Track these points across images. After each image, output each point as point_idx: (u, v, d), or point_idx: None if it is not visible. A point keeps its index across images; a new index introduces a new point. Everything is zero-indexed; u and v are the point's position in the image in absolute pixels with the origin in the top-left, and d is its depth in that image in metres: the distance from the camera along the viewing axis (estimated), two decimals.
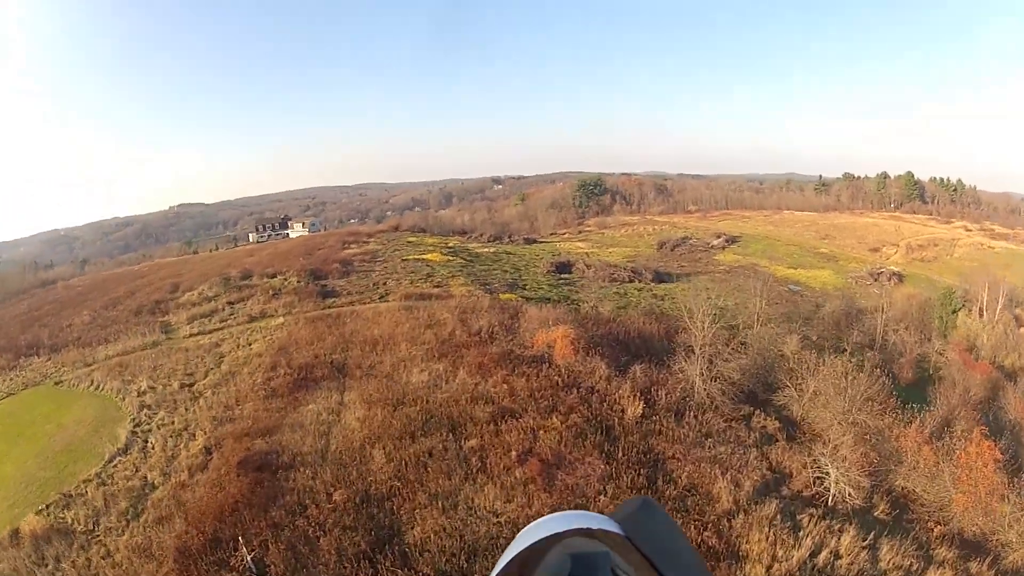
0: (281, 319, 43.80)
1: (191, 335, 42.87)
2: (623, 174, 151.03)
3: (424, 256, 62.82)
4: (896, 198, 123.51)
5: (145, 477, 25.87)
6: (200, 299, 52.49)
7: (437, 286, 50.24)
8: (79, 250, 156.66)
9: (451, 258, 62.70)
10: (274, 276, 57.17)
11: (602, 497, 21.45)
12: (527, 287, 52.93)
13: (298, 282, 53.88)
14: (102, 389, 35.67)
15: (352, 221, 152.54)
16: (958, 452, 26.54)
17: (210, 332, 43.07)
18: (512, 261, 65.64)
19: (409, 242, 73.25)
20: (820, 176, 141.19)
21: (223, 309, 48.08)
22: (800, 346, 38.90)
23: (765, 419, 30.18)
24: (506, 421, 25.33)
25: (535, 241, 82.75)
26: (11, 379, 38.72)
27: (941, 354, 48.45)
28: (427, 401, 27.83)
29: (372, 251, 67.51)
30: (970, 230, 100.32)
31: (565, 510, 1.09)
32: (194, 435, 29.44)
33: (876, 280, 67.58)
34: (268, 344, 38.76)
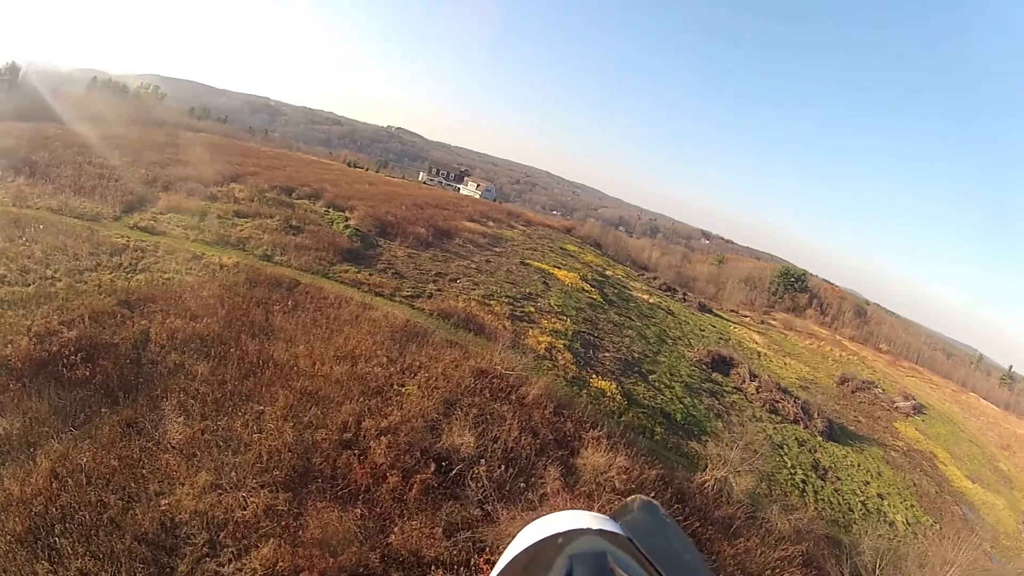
0: (234, 259, 32.06)
1: (135, 226, 33.87)
2: (825, 280, 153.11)
3: (556, 271, 52.08)
4: None
5: None
6: (222, 195, 44.46)
7: (518, 319, 36.14)
8: (280, 125, 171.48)
9: (589, 289, 51.00)
10: (341, 210, 48.79)
11: None
12: (652, 377, 37.77)
13: (345, 227, 43.69)
14: None
15: (554, 213, 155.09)
16: None
17: (155, 234, 33.46)
18: (665, 324, 53.98)
19: (562, 248, 66.12)
20: (1010, 367, 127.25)
21: (208, 216, 38.43)
22: None
23: None
24: None
25: (710, 311, 76.96)
26: None
27: None
28: None
29: (500, 237, 58.75)
30: None
31: (565, 510, 1.16)
32: None
33: None
34: (154, 284, 26.68)
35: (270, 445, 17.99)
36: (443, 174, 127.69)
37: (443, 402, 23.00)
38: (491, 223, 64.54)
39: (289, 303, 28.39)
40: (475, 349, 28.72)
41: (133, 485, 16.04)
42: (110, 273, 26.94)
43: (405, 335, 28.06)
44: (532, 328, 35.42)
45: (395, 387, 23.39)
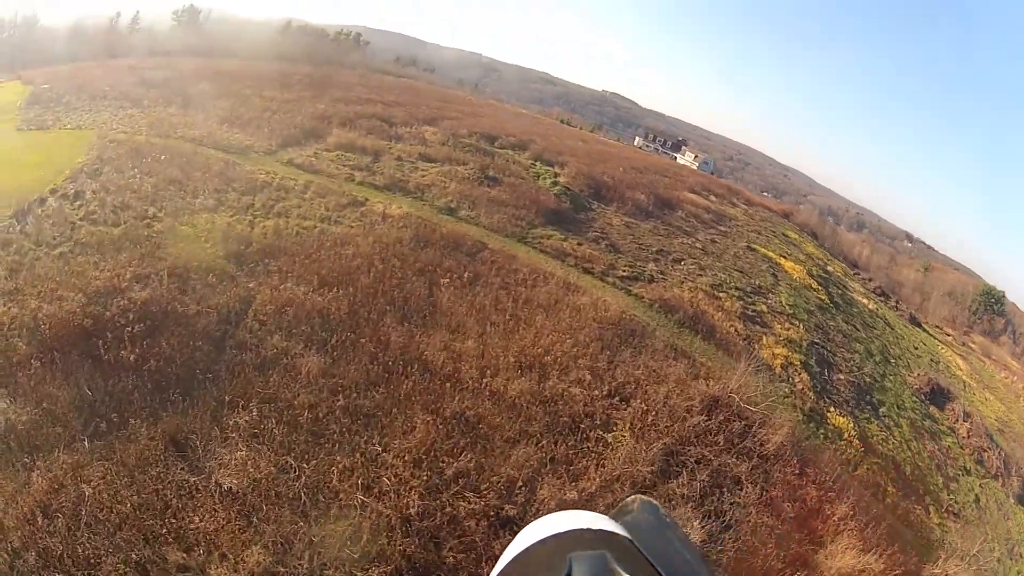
0: (405, 209, 27.41)
1: (289, 162, 30.77)
2: (1014, 303, 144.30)
3: (783, 261, 48.96)
4: None
5: None
6: (409, 136, 41.12)
7: (750, 320, 31.51)
8: (493, 82, 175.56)
9: (816, 287, 47.71)
10: (550, 165, 43.99)
11: None
12: (882, 410, 33.66)
13: (552, 184, 38.39)
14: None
15: (765, 194, 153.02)
16: None
17: (310, 171, 30.15)
18: (886, 338, 49.86)
19: (784, 235, 63.74)
20: None
21: (383, 157, 34.87)
22: None
23: None
24: None
25: (919, 324, 73.07)
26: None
27: None
28: None
29: (723, 215, 54.67)
30: None
31: (566, 510, 1.19)
32: None
33: None
34: (284, 233, 22.22)
35: (380, 515, 11.59)
36: (659, 140, 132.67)
37: (661, 452, 16.55)
38: (713, 197, 60.85)
39: (466, 274, 22.49)
40: (703, 361, 23.37)
41: (146, 547, 10.97)
42: (231, 216, 22.67)
43: (618, 335, 21.94)
44: (765, 334, 31.14)
45: (598, 422, 16.73)
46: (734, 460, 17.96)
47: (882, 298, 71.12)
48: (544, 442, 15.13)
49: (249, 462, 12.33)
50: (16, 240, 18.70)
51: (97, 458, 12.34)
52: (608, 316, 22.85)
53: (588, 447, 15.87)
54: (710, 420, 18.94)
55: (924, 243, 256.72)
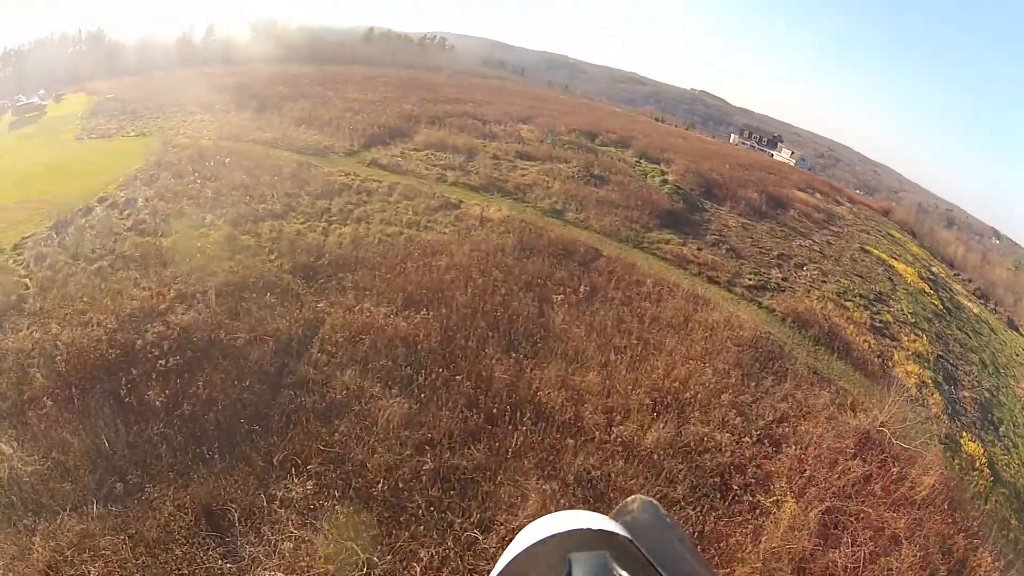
0: (505, 212, 25.18)
1: (372, 162, 29.41)
2: None
3: (895, 262, 47.41)
4: None
5: None
6: (504, 134, 39.73)
7: (878, 333, 29.11)
8: (583, 82, 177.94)
9: (929, 292, 45.86)
10: (655, 162, 42.55)
11: None
12: (1002, 429, 30.45)
13: (662, 182, 36.23)
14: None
15: (857, 191, 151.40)
16: None
17: (396, 172, 28.58)
18: (993, 346, 45.84)
19: (889, 234, 63.53)
20: None
21: (478, 156, 33.26)
22: None
23: None
24: None
25: (1017, 328, 68.35)
26: None
27: None
28: None
29: (833, 214, 53.72)
30: None
31: (566, 510, 1.18)
32: None
33: None
34: (364, 242, 19.80)
35: None
36: (755, 137, 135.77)
37: (823, 513, 13.23)
38: (819, 195, 61.43)
39: (582, 288, 19.53)
40: (844, 386, 20.38)
41: None
42: (301, 222, 20.34)
43: (757, 359, 18.97)
44: (895, 349, 28.36)
45: (751, 479, 13.38)
46: (892, 515, 14.64)
47: (981, 300, 67.82)
48: (690, 511, 11.64)
49: (303, 549, 9.21)
50: (52, 254, 16.61)
51: (109, 527, 9.70)
52: (743, 336, 19.77)
53: (741, 513, 12.37)
54: (867, 465, 15.85)
55: (1011, 239, 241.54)
